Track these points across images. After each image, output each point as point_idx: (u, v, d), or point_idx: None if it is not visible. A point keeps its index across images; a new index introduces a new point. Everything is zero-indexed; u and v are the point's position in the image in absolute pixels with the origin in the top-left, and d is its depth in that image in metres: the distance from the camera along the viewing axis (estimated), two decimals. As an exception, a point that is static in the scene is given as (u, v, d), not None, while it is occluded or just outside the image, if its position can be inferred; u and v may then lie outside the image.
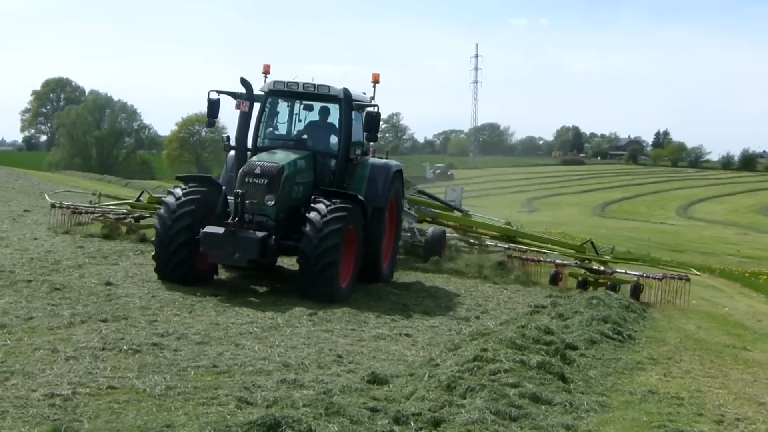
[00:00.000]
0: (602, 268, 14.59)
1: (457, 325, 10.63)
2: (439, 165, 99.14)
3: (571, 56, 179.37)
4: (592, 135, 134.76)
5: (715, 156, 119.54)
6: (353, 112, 12.22)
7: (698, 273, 16.15)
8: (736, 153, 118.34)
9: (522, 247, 15.85)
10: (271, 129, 12.68)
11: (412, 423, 5.75)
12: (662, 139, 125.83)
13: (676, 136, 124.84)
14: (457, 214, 18.13)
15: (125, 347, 7.48)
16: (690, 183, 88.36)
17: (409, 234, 16.65)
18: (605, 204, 67.62)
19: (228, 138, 12.43)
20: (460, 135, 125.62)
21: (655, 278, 13.92)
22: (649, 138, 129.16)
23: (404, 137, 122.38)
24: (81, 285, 10.56)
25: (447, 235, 16.97)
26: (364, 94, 12.93)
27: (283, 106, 12.86)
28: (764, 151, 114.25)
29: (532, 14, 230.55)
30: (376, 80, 12.83)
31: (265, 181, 10.69)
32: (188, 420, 5.53)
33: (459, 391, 6.55)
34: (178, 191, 10.97)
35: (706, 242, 37.21)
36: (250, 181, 10.73)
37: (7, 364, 6.70)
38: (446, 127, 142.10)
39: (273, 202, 10.71)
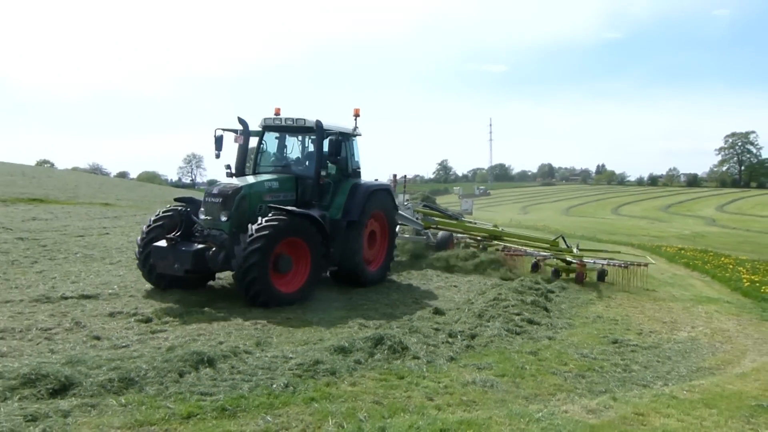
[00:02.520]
0: (574, 260, 16.66)
1: (483, 279, 15.40)
2: (482, 187, 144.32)
3: (546, 119, 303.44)
4: (560, 167, 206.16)
5: (633, 178, 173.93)
6: (344, 141, 13.16)
7: (653, 262, 20.47)
8: (645, 175, 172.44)
9: (510, 245, 18.35)
10: (267, 158, 13.64)
11: (458, 336, 9.57)
12: (601, 168, 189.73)
13: (609, 166, 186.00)
14: (453, 221, 20.44)
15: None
16: (618, 194, 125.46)
17: (425, 237, 19.20)
18: (568, 207, 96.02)
19: (229, 166, 13.23)
20: (483, 170, 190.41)
21: (619, 266, 16.41)
22: (593, 168, 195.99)
23: (450, 173, 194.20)
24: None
25: (459, 235, 19.82)
26: (356, 129, 13.98)
27: (274, 139, 13.71)
28: (662, 174, 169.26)
29: (524, 97, 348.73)
30: (356, 114, 13.88)
31: (220, 200, 11.43)
32: (332, 336, 9.30)
33: (485, 318, 10.67)
34: (150, 218, 12.22)
35: (629, 229, 50.27)
36: (209, 200, 11.61)
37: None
38: (474, 165, 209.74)
39: (226, 218, 11.26)
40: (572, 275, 16.28)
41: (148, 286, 11.68)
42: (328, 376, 7.06)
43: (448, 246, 19.07)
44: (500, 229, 20.67)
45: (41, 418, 5.38)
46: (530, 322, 10.82)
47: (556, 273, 16.55)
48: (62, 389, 6.12)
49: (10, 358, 7.24)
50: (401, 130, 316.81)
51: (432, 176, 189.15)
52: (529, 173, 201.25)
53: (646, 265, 16.84)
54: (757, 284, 16.89)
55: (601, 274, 16.45)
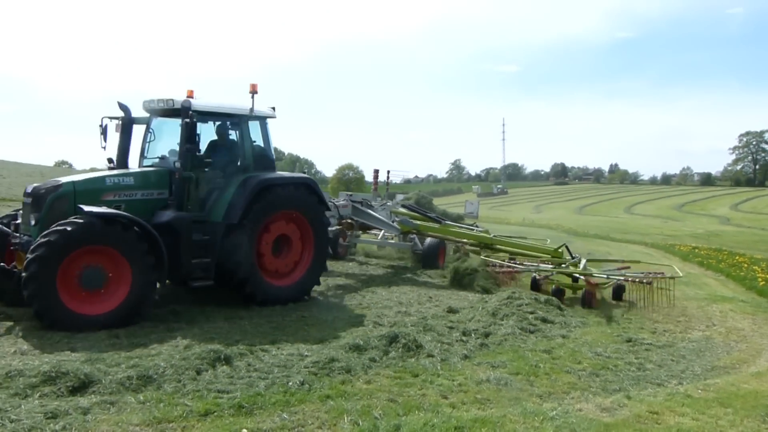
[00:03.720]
0: (582, 276, 13.92)
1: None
2: (500, 186, 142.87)
3: (558, 120, 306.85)
4: (573, 167, 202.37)
5: (646, 177, 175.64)
6: (236, 126, 11.37)
7: (681, 274, 15.17)
8: (659, 175, 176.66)
9: (504, 263, 15.22)
10: (153, 148, 11.40)
11: (472, 334, 9.60)
12: (614, 168, 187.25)
13: (622, 166, 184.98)
14: (435, 224, 18.03)
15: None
16: (631, 193, 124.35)
17: (410, 243, 17.07)
18: (581, 207, 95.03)
19: (111, 160, 11.36)
20: (496, 170, 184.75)
21: (641, 281, 13.25)
22: (606, 167, 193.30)
23: (463, 172, 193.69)
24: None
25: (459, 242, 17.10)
26: (252, 110, 11.41)
27: (161, 125, 11.41)
28: (675, 174, 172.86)
29: (536, 97, 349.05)
30: (253, 91, 11.31)
31: (31, 200, 9.63)
32: (347, 334, 9.36)
33: (499, 316, 10.69)
34: None
35: (643, 228, 49.95)
36: (25, 201, 9.87)
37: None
38: (486, 165, 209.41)
39: (34, 222, 9.40)
40: (579, 293, 13.61)
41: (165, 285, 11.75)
42: (343, 374, 7.11)
43: (438, 257, 16.74)
44: (491, 235, 17.50)
45: (61, 415, 5.46)
46: (544, 320, 10.81)
47: (559, 293, 13.29)
48: (82, 387, 6.21)
49: (30, 356, 7.36)
50: (414, 129, 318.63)
51: (445, 176, 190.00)
52: (542, 173, 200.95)
53: (673, 277, 13.82)
54: (773, 283, 16.79)
55: (618, 290, 13.90)
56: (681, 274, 13.60)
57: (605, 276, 14.15)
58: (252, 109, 11.40)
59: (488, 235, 17.29)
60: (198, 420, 5.57)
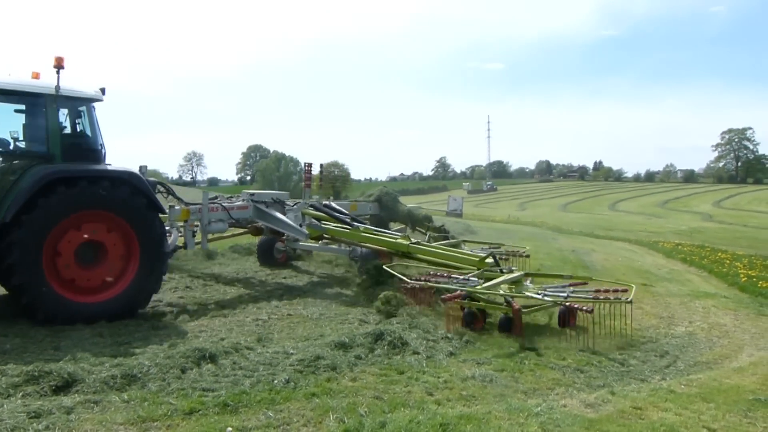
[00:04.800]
0: (508, 295, 10.30)
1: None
2: (489, 183, 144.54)
3: (542, 118, 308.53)
4: (557, 164, 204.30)
5: (630, 174, 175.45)
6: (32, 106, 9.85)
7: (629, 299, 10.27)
8: (643, 172, 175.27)
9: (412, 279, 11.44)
10: None
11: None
12: (598, 165, 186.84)
13: (606, 163, 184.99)
14: (346, 228, 14.64)
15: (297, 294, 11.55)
16: (615, 190, 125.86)
17: (350, 249, 15.00)
18: (566, 204, 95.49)
19: None
20: (481, 167, 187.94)
21: (582, 309, 9.78)
22: (590, 164, 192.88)
23: (448, 170, 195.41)
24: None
25: None
26: (58, 88, 9.66)
27: None
28: (659, 171, 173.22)
29: (521, 95, 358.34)
30: (58, 66, 9.53)
31: None
32: (332, 332, 9.43)
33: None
34: None
35: (627, 225, 50.56)
36: None
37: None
38: (472, 163, 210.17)
39: None
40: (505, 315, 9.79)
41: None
42: (328, 372, 7.11)
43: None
44: (408, 243, 13.48)
45: (44, 414, 5.42)
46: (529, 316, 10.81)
47: (472, 318, 9.82)
48: (65, 386, 6.18)
49: (13, 356, 7.30)
50: (400, 127, 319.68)
51: (431, 173, 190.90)
52: (527, 170, 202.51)
53: (630, 301, 9.97)
54: (754, 279, 16.97)
55: (565, 315, 10.33)
56: (630, 299, 9.76)
57: (540, 296, 10.53)
58: (58, 88, 9.57)
59: (405, 242, 13.49)
60: (183, 419, 5.54)
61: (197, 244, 12.68)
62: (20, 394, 5.93)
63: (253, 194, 14.61)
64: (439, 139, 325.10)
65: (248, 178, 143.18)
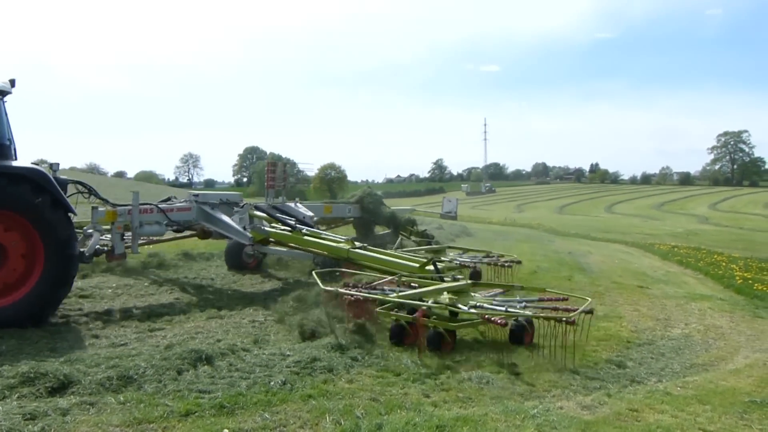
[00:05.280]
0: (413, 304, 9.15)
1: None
2: (488, 184, 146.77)
3: (539, 120, 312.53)
4: (554, 166, 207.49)
5: (626, 176, 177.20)
6: None
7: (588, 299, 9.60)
8: (639, 174, 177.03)
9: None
10: None
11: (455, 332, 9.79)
12: (594, 167, 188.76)
13: (602, 165, 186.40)
14: (287, 231, 13.91)
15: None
16: (611, 193, 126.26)
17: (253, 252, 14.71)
18: (562, 206, 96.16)
19: None
20: (478, 169, 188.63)
21: (498, 323, 8.07)
22: (586, 166, 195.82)
23: (445, 172, 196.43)
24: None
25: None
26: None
27: None
28: (655, 173, 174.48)
29: (518, 97, 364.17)
30: None
31: None
32: (329, 333, 9.41)
33: (481, 315, 10.72)
34: None
35: (623, 227, 50.31)
36: None
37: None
38: (468, 165, 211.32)
39: None
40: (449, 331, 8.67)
41: (145, 284, 11.73)
42: (325, 374, 7.11)
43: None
44: (348, 248, 12.55)
45: (40, 416, 5.41)
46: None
47: (398, 332, 8.70)
48: (61, 387, 6.17)
49: (9, 357, 7.27)
50: (396, 129, 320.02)
51: (427, 175, 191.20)
52: (524, 172, 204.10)
53: (572, 321, 8.27)
54: (750, 281, 17.01)
55: (519, 331, 8.93)
56: (573, 319, 8.18)
57: (466, 309, 8.98)
58: None
59: (346, 247, 12.55)
60: (179, 420, 5.54)
61: (127, 248, 11.77)
62: (16, 395, 5.92)
63: (197, 195, 13.48)
64: (436, 141, 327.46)
65: (245, 179, 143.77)
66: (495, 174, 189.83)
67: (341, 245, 12.79)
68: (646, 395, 7.05)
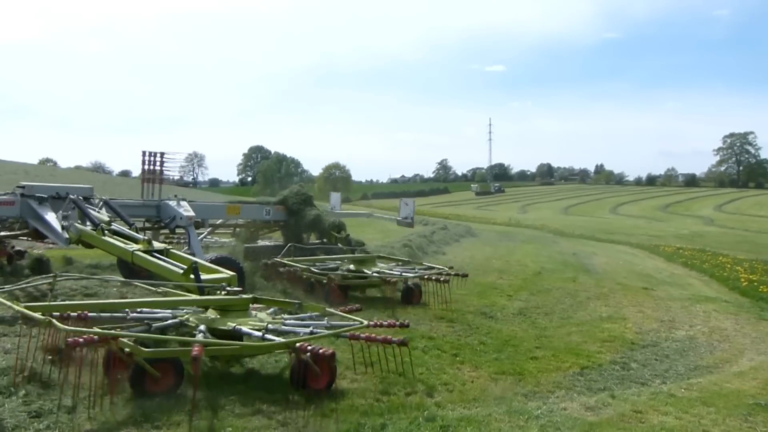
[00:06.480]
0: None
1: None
2: (497, 185, 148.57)
3: (544, 121, 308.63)
4: (558, 167, 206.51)
5: (631, 178, 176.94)
6: None
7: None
8: (644, 175, 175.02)
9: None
10: None
11: (459, 333, 9.81)
12: (599, 168, 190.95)
13: (607, 166, 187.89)
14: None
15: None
16: (616, 194, 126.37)
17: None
18: (567, 207, 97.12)
19: None
20: (482, 170, 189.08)
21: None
22: (591, 167, 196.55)
23: (450, 172, 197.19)
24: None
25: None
26: None
27: None
28: (660, 175, 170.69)
29: (523, 97, 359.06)
30: None
31: None
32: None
33: (486, 315, 10.73)
34: None
35: (628, 228, 50.49)
36: None
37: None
38: (473, 165, 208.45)
39: None
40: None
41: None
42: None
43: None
44: (133, 251, 9.80)
45: (45, 414, 5.41)
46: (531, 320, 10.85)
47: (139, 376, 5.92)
48: (66, 385, 6.15)
49: (14, 354, 7.28)
50: (402, 130, 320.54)
51: (432, 175, 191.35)
52: (528, 173, 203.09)
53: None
54: (755, 283, 16.99)
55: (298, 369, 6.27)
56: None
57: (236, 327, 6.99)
58: None
59: (130, 249, 9.78)
60: (185, 418, 5.54)
61: None
62: (21, 393, 5.92)
63: (23, 186, 11.28)
64: (441, 142, 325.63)
65: (249, 179, 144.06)
66: (499, 174, 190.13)
67: (128, 247, 9.93)
68: (650, 397, 7.04)
